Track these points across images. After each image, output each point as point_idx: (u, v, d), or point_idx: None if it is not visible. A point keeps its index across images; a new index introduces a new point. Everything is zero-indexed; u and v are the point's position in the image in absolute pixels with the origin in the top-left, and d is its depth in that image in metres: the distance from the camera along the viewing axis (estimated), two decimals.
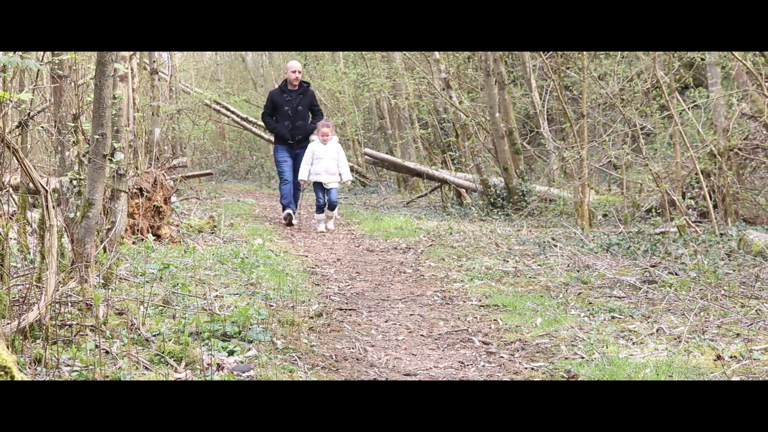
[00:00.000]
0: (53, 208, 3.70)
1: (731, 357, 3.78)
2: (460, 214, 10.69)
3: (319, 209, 9.26)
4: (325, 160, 9.22)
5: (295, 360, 3.80)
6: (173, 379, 3.27)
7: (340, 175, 9.33)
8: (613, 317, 4.69)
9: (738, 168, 8.89)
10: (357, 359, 4.00)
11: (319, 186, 9.24)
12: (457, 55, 13.38)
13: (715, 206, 8.27)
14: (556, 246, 7.12)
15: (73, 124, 5.55)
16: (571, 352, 4.04)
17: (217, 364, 3.50)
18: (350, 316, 4.98)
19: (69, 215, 4.88)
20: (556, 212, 9.76)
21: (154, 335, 3.80)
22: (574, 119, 9.45)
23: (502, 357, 4.08)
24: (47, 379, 3.09)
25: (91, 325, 3.69)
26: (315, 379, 3.56)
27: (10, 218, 4.90)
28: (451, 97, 12.09)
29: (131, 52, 7.26)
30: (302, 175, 9.28)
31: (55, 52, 5.33)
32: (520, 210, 10.16)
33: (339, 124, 16.84)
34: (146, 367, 3.37)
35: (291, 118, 9.62)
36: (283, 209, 9.76)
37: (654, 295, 5.17)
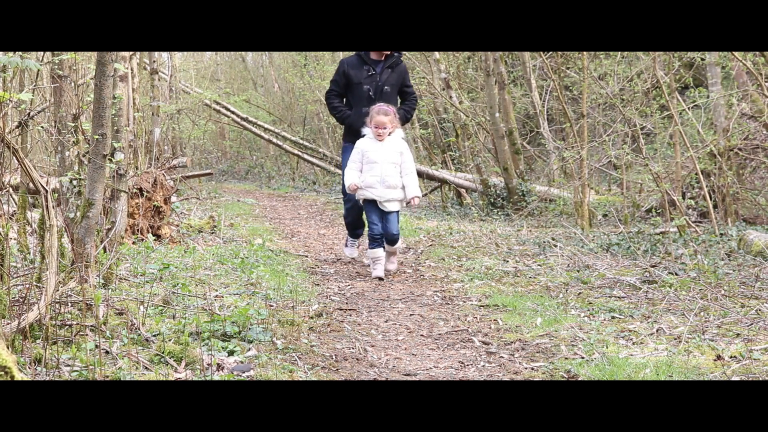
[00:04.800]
0: (53, 208, 3.70)
1: (731, 357, 3.78)
2: (460, 214, 10.69)
3: (374, 240, 6.22)
4: (381, 165, 6.14)
5: (295, 360, 3.80)
6: (173, 379, 3.27)
7: (403, 189, 6.22)
8: (613, 317, 4.69)
9: (738, 168, 8.89)
10: (357, 359, 4.00)
11: (372, 205, 6.24)
12: (457, 55, 13.38)
13: (715, 206, 8.27)
14: (556, 246, 7.12)
15: (73, 124, 5.56)
16: (571, 352, 4.04)
17: (217, 364, 3.50)
18: (350, 316, 4.98)
19: (69, 215, 4.88)
20: (556, 212, 9.76)
21: (154, 335, 3.79)
22: (574, 119, 9.45)
23: (502, 357, 4.08)
24: (47, 379, 3.09)
25: (91, 325, 3.69)
26: (315, 379, 3.56)
27: (10, 218, 4.90)
28: (451, 97, 12.09)
29: (131, 52, 7.26)
30: (351, 178, 6.18)
31: (55, 52, 5.34)
32: (520, 210, 10.16)
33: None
34: (146, 367, 3.37)
35: (372, 103, 6.40)
36: (350, 236, 6.93)
37: (654, 295, 5.17)
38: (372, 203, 6.24)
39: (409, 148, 6.38)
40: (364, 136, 6.28)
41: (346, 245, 7.04)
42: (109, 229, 5.20)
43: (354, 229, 6.90)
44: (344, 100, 6.66)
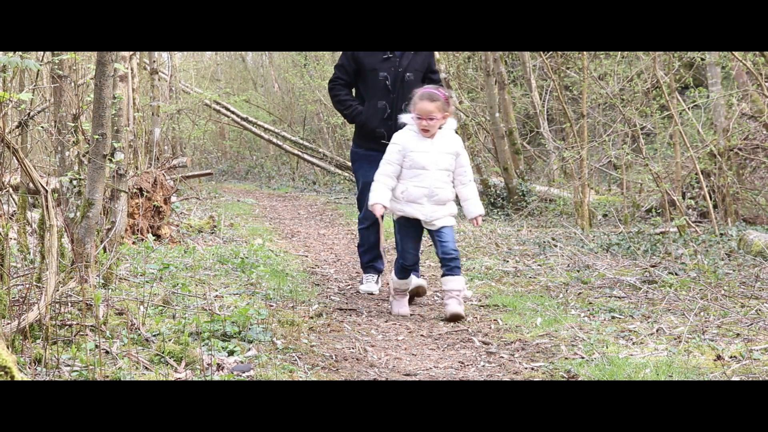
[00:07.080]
0: (53, 208, 3.70)
1: (731, 357, 3.78)
2: (460, 214, 10.68)
3: (404, 270, 4.77)
4: (431, 173, 4.60)
5: (295, 360, 3.80)
6: (173, 379, 3.27)
7: (456, 203, 4.83)
8: (613, 317, 4.69)
9: (738, 168, 8.90)
10: (357, 359, 4.00)
11: (410, 227, 4.73)
12: (457, 55, 13.38)
13: (715, 206, 8.27)
14: (556, 246, 7.11)
15: (73, 124, 5.56)
16: (571, 352, 4.04)
17: (217, 364, 3.50)
18: (350, 316, 4.97)
19: (69, 215, 4.88)
20: (556, 212, 9.76)
21: (154, 335, 3.79)
22: (574, 119, 9.46)
23: (502, 357, 4.08)
24: (47, 379, 3.09)
25: (91, 325, 3.69)
26: (315, 379, 3.56)
27: (10, 218, 4.90)
28: (451, 96, 12.09)
29: (131, 52, 7.26)
30: (377, 195, 4.57)
31: (55, 52, 5.34)
32: (520, 210, 10.16)
33: (339, 123, 16.81)
34: (146, 367, 3.37)
35: (390, 95, 5.10)
36: (364, 270, 5.43)
37: (654, 295, 5.17)
38: (411, 224, 4.65)
39: (463, 145, 4.74)
40: (403, 126, 4.64)
41: (362, 282, 5.52)
42: (109, 229, 5.20)
43: (372, 261, 5.39)
44: (353, 91, 5.27)
